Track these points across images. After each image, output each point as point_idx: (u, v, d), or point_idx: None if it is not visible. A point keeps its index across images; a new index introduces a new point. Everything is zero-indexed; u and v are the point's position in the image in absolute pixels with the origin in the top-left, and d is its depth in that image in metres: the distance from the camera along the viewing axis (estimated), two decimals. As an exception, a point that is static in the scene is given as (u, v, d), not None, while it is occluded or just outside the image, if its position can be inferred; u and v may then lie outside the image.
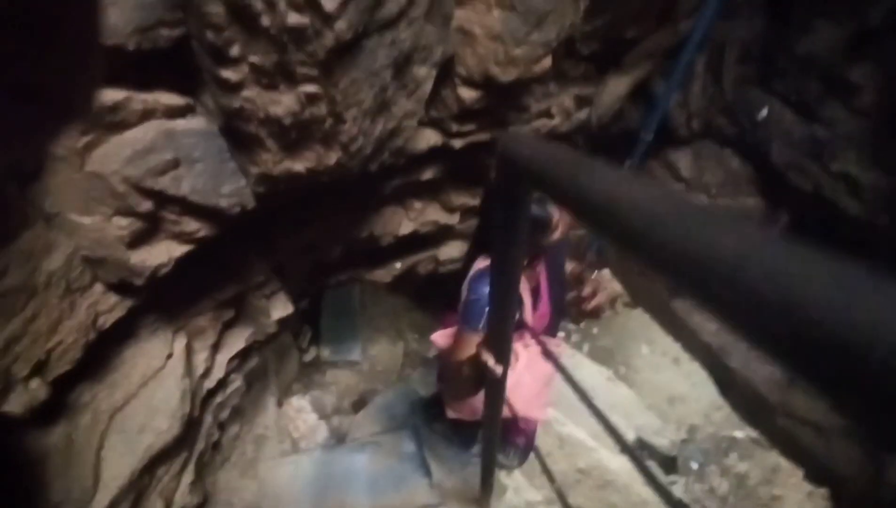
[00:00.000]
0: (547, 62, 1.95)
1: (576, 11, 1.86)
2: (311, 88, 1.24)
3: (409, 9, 1.36)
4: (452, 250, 3.09)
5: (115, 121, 1.26)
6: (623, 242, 0.49)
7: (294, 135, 1.37)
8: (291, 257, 2.31)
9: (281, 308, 2.41)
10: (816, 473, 2.66)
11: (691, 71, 2.27)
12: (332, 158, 1.49)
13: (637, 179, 0.52)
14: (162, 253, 1.50)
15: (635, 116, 2.48)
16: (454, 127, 2.17)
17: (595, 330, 4.23)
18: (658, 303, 3.06)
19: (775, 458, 3.36)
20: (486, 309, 1.41)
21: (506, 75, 1.93)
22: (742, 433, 3.62)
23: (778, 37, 2.21)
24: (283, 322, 2.46)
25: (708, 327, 2.81)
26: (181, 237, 1.52)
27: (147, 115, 1.29)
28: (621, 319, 5.08)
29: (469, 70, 1.96)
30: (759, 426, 2.90)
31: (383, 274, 3.01)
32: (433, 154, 2.31)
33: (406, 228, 2.67)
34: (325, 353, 4.06)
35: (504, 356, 1.38)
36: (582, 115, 2.42)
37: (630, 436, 3.70)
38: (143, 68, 1.23)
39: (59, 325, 1.41)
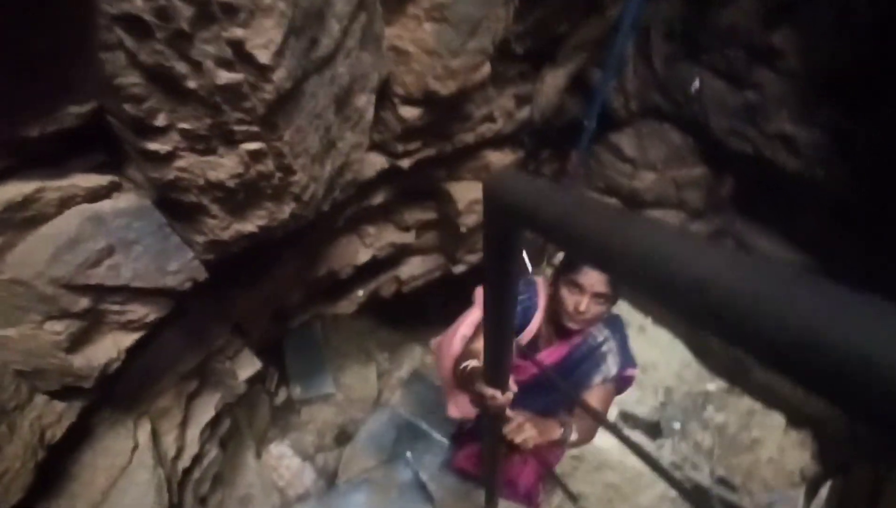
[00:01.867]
0: (486, 69, 1.88)
1: (507, 14, 1.80)
2: (254, 145, 1.11)
3: (344, 41, 1.25)
4: (413, 268, 2.99)
5: (27, 217, 1.08)
6: (621, 276, 0.51)
7: (241, 196, 1.23)
8: (251, 313, 2.14)
9: (248, 367, 2.24)
10: (797, 417, 2.77)
11: (624, 56, 2.27)
12: (286, 211, 1.36)
13: (626, 215, 0.54)
14: (109, 348, 1.33)
15: (576, 107, 2.46)
16: (400, 148, 2.07)
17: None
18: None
19: (748, 402, 3.50)
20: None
21: (446, 88, 1.85)
22: (713, 385, 3.75)
23: (699, 13, 2.24)
24: (251, 380, 2.29)
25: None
26: (129, 326, 1.35)
27: (66, 203, 1.12)
28: (583, 298, 5.16)
29: (407, 88, 1.86)
30: (738, 382, 2.99)
31: (346, 305, 2.87)
32: (382, 177, 2.20)
33: (364, 255, 2.55)
34: (297, 392, 3.87)
35: (503, 385, 1.32)
36: (524, 113, 2.38)
37: (613, 412, 3.76)
38: (52, 153, 1.06)
39: (0, 454, 1.22)
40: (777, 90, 2.21)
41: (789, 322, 0.35)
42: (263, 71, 0.96)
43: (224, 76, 0.94)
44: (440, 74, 1.80)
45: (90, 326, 1.27)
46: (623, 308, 3.90)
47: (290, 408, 3.86)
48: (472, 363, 1.54)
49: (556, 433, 1.53)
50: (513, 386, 1.33)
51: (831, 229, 2.38)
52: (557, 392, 1.80)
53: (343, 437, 3.71)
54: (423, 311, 4.38)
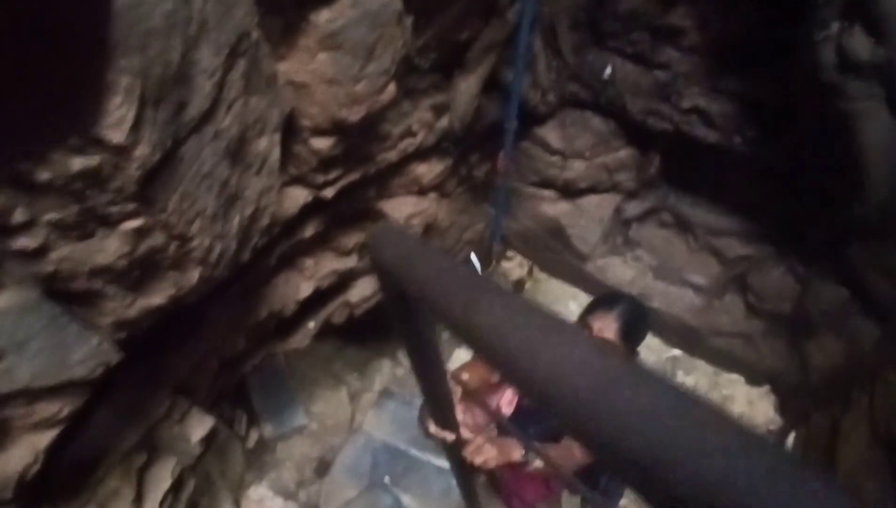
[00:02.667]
0: (391, 89, 1.83)
1: (403, 31, 1.76)
2: (135, 223, 1.04)
3: (221, 94, 1.18)
4: (363, 290, 2.93)
5: None
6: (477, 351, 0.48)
7: (137, 274, 1.16)
8: (190, 372, 2.05)
9: (199, 427, 2.15)
10: (754, 376, 2.84)
11: (532, 52, 2.26)
12: (193, 276, 1.29)
13: (482, 292, 0.50)
14: (24, 453, 1.23)
15: (495, 108, 2.44)
16: (319, 178, 2.01)
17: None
18: (569, 269, 3.10)
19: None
20: None
21: (354, 115, 1.80)
22: (678, 351, 3.83)
23: (600, 2, 2.25)
24: (207, 439, 2.20)
25: (624, 278, 2.90)
26: (42, 426, 1.26)
27: (-62, 315, 1.03)
28: (542, 285, 5.20)
29: (314, 120, 1.80)
30: (695, 351, 3.05)
31: (300, 339, 2.80)
32: (308, 210, 2.13)
33: (306, 289, 2.47)
34: (268, 430, 3.76)
35: (451, 425, 1.30)
36: (443, 123, 2.34)
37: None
38: None
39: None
40: (684, 67, 2.24)
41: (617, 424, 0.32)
42: (121, 151, 0.89)
43: (77, 163, 0.87)
44: (345, 101, 1.74)
45: (-5, 436, 1.17)
46: (582, 296, 3.93)
47: (264, 448, 3.76)
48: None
49: (516, 453, 1.51)
50: (464, 422, 1.31)
51: (757, 192, 2.44)
52: None
53: (323, 468, 3.63)
54: (386, 325, 4.33)
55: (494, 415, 1.62)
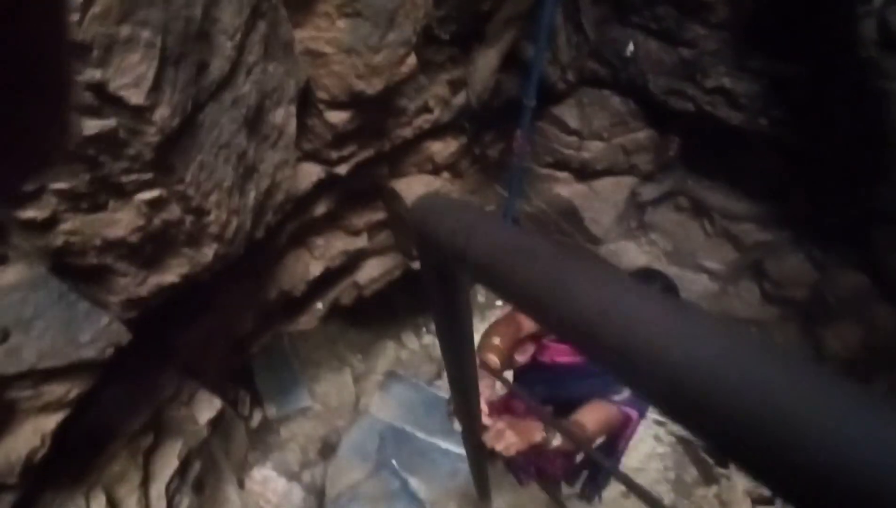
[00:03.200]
0: (412, 61, 1.74)
1: (423, 0, 1.66)
2: (150, 193, 0.96)
3: (241, 57, 1.09)
4: (372, 271, 2.86)
5: None
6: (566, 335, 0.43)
7: (150, 249, 1.08)
8: (199, 353, 1.98)
9: (207, 409, 2.08)
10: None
11: (554, 26, 2.16)
12: (208, 254, 1.21)
13: (570, 264, 0.45)
14: (30, 437, 1.17)
15: (514, 85, 2.34)
16: (333, 154, 1.92)
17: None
18: (563, 240, 3.02)
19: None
20: None
21: (372, 87, 1.70)
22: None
23: (624, -29, 2.15)
24: (214, 421, 2.14)
25: (638, 262, 2.83)
26: (49, 409, 1.19)
27: (-62, 289, 0.95)
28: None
29: (331, 92, 1.71)
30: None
31: (307, 320, 2.73)
32: (320, 187, 2.05)
33: (315, 268, 2.40)
34: (272, 411, 3.72)
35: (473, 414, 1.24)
36: (460, 99, 2.25)
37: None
38: None
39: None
40: (711, 45, 2.15)
41: (749, 401, 0.29)
42: (140, 113, 0.80)
43: (92, 125, 0.78)
44: (363, 72, 1.65)
45: (0, 418, 1.10)
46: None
47: (268, 429, 3.71)
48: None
49: (538, 436, 1.46)
50: (485, 409, 1.25)
51: (779, 176, 2.37)
52: (594, 377, 1.67)
53: (327, 449, 3.59)
54: (391, 306, 4.27)
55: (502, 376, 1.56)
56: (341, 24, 1.54)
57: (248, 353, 2.53)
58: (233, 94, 1.09)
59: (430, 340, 4.44)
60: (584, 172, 2.70)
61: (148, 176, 0.93)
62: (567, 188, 2.78)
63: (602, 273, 0.42)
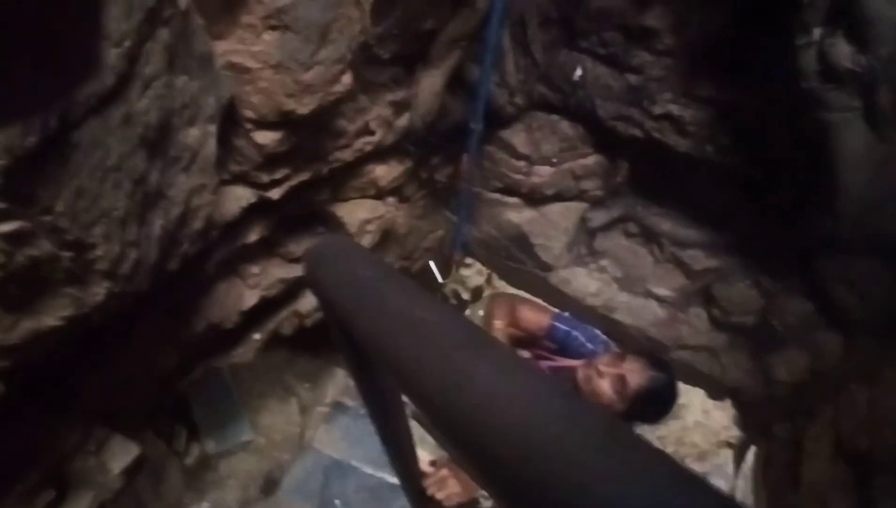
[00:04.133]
0: (347, 79, 1.62)
1: (362, 14, 1.55)
2: (7, 226, 0.79)
3: (133, 70, 0.94)
4: (315, 299, 2.69)
5: None
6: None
7: (16, 290, 0.90)
8: (111, 392, 1.76)
9: (121, 456, 1.86)
10: (716, 390, 2.78)
11: (501, 49, 2.10)
12: (99, 293, 1.04)
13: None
14: None
15: (460, 107, 2.26)
16: (264, 177, 1.77)
17: (481, 312, 4.14)
18: (531, 279, 2.96)
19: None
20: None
21: (304, 106, 1.57)
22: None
23: (571, -3, 2.11)
24: (132, 469, 1.92)
25: (588, 289, 2.78)
26: None
27: None
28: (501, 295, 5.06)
29: (258, 111, 1.56)
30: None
31: (243, 352, 2.53)
32: (252, 212, 1.89)
33: (250, 298, 2.22)
34: (211, 446, 3.43)
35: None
36: (403, 121, 2.14)
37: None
38: None
39: None
40: (657, 71, 2.13)
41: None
42: (-26, 131, 0.65)
43: None
44: (293, 90, 1.52)
45: None
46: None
47: (205, 465, 3.43)
48: None
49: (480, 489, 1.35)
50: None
51: (725, 203, 2.37)
52: None
53: (270, 486, 3.34)
54: (341, 332, 4.06)
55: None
56: (268, 37, 1.41)
57: (175, 390, 2.30)
58: (123, 110, 0.94)
59: (382, 366, 4.28)
60: (534, 198, 2.63)
61: (3, 205, 0.77)
62: (517, 214, 2.71)
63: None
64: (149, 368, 1.92)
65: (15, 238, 0.82)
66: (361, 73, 1.75)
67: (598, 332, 1.74)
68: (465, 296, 4.76)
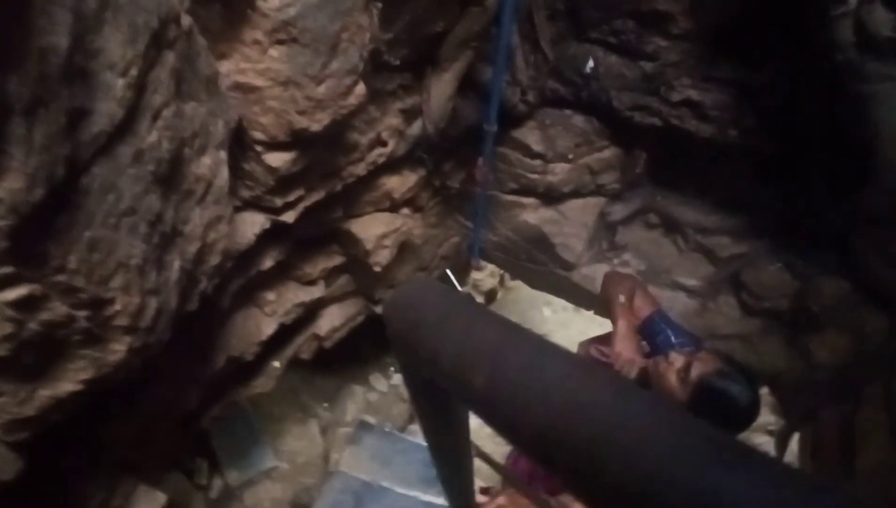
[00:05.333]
0: (360, 90, 1.51)
1: (371, 21, 1.44)
2: (15, 292, 0.68)
3: (141, 101, 0.83)
4: (332, 319, 2.58)
5: None
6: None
7: (30, 358, 0.79)
8: (134, 441, 1.65)
9: (147, 505, 1.74)
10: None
11: (510, 46, 1.99)
12: (120, 350, 0.92)
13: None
14: None
15: (472, 110, 2.15)
16: (278, 201, 1.66)
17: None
18: (554, 280, 2.86)
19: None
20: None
21: (316, 123, 1.46)
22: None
23: (578, -16, 2.01)
24: (159, 519, 1.80)
25: (611, 286, 2.67)
26: None
27: None
28: (513, 293, 4.97)
29: (269, 131, 1.45)
30: (687, 354, 2.86)
31: (264, 382, 2.42)
32: (266, 238, 1.78)
33: (268, 327, 2.11)
34: (233, 476, 3.32)
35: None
36: (415, 129, 2.03)
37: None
38: None
39: None
40: (673, 56, 2.03)
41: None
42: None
43: None
44: (305, 107, 1.41)
45: None
46: (555, 299, 3.68)
47: (230, 497, 3.32)
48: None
49: None
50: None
51: (749, 187, 2.27)
52: None
53: (298, 511, 3.24)
54: (356, 348, 3.96)
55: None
56: (275, 52, 1.30)
57: (196, 429, 2.19)
58: (133, 146, 0.83)
59: (399, 379, 4.17)
60: (551, 197, 2.53)
61: (8, 271, 0.66)
62: (534, 214, 2.60)
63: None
64: (169, 411, 1.81)
65: (25, 304, 0.71)
66: (371, 81, 1.64)
67: (693, 336, 1.64)
68: (480, 299, 4.66)
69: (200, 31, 1.13)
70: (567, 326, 4.69)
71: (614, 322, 1.63)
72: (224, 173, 1.26)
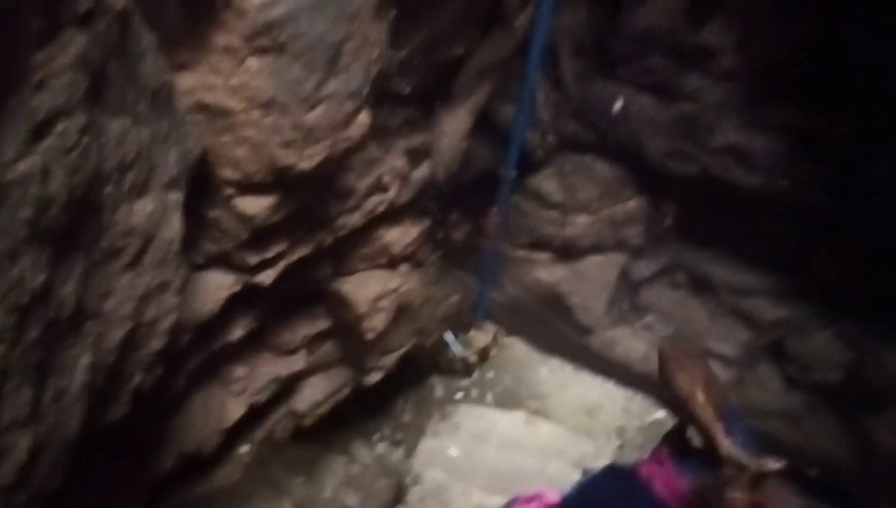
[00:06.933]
0: (364, 120, 1.16)
1: (380, 32, 1.12)
2: None
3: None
4: (314, 392, 2.15)
5: None
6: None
7: None
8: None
9: None
10: (798, 462, 2.31)
11: (535, 82, 1.69)
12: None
13: None
14: None
15: (487, 151, 1.84)
16: (252, 258, 1.27)
17: (490, 374, 3.68)
18: (569, 344, 2.50)
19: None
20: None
21: (306, 160, 1.10)
22: (662, 413, 3.32)
23: (608, 18, 1.74)
24: None
25: (635, 352, 2.32)
26: None
27: None
28: (508, 352, 4.56)
29: (243, 168, 1.08)
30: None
31: (228, 472, 1.97)
32: (235, 303, 1.38)
33: (235, 410, 1.67)
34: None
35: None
36: (422, 172, 1.69)
37: (576, 476, 3.18)
38: None
39: None
40: (716, 97, 1.77)
41: None
42: None
43: None
44: (292, 138, 1.05)
45: None
46: (552, 359, 3.35)
47: None
48: None
49: None
50: None
51: (798, 242, 1.97)
52: None
53: None
54: (338, 412, 3.47)
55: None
56: (255, 63, 0.95)
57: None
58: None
59: (384, 448, 3.69)
60: (568, 252, 2.20)
61: None
62: (548, 272, 2.26)
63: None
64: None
65: None
66: (373, 114, 1.30)
67: (756, 434, 1.25)
68: (472, 359, 4.24)
69: (148, 21, 0.77)
70: (565, 388, 4.29)
71: (706, 436, 1.19)
72: (175, 224, 0.87)
